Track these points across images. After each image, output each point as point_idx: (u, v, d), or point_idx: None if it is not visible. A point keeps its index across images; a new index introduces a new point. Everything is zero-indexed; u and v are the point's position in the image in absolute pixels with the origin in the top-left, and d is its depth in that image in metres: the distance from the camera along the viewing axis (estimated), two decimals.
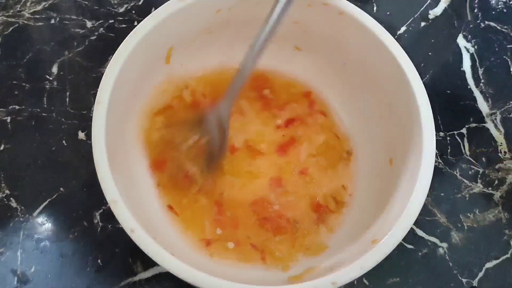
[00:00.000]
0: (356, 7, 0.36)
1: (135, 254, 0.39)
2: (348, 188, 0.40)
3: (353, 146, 0.41)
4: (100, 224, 0.40)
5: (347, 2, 0.37)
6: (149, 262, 0.38)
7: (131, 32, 0.34)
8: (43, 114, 0.44)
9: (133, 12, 0.50)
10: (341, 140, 0.41)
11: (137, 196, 0.35)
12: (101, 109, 0.31)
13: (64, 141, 0.43)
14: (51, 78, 0.45)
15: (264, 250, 0.37)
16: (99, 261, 0.38)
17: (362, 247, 0.31)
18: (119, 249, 0.39)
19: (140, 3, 0.50)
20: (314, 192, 0.39)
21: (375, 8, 0.51)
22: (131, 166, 0.36)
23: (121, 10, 0.50)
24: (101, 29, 0.48)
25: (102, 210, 0.40)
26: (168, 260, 0.28)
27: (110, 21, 0.49)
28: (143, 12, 0.48)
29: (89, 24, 0.48)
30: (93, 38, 0.48)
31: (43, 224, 0.39)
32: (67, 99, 0.44)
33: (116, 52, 0.33)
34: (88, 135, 0.43)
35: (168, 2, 0.35)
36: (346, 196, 0.40)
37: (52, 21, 0.49)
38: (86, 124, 0.43)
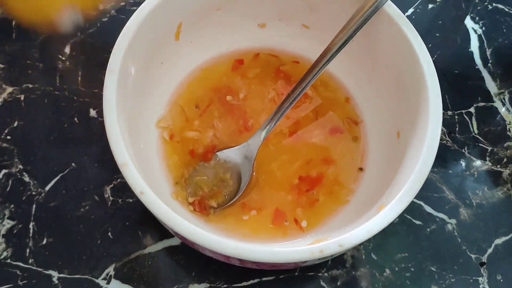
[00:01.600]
0: None
1: (145, 228, 0.39)
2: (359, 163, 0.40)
3: (362, 121, 0.41)
4: (111, 198, 0.40)
5: None
6: (158, 235, 0.39)
7: (141, 6, 0.35)
8: (56, 92, 0.45)
9: None
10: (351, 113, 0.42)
11: (149, 168, 0.36)
12: (113, 76, 0.32)
13: (76, 119, 0.43)
14: (63, 58, 0.46)
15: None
16: (109, 234, 0.39)
17: (369, 216, 0.31)
18: (129, 222, 0.40)
19: None
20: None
21: None
22: (141, 136, 0.36)
23: None
24: (113, 11, 0.49)
25: (112, 185, 0.41)
26: (175, 220, 0.28)
27: (122, 4, 0.50)
28: None
29: (101, 6, 0.49)
30: (104, 20, 0.49)
31: (55, 198, 0.40)
32: (79, 78, 0.45)
33: (127, 23, 0.34)
34: (99, 113, 0.43)
35: None
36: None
37: None
38: (97, 102, 0.44)
